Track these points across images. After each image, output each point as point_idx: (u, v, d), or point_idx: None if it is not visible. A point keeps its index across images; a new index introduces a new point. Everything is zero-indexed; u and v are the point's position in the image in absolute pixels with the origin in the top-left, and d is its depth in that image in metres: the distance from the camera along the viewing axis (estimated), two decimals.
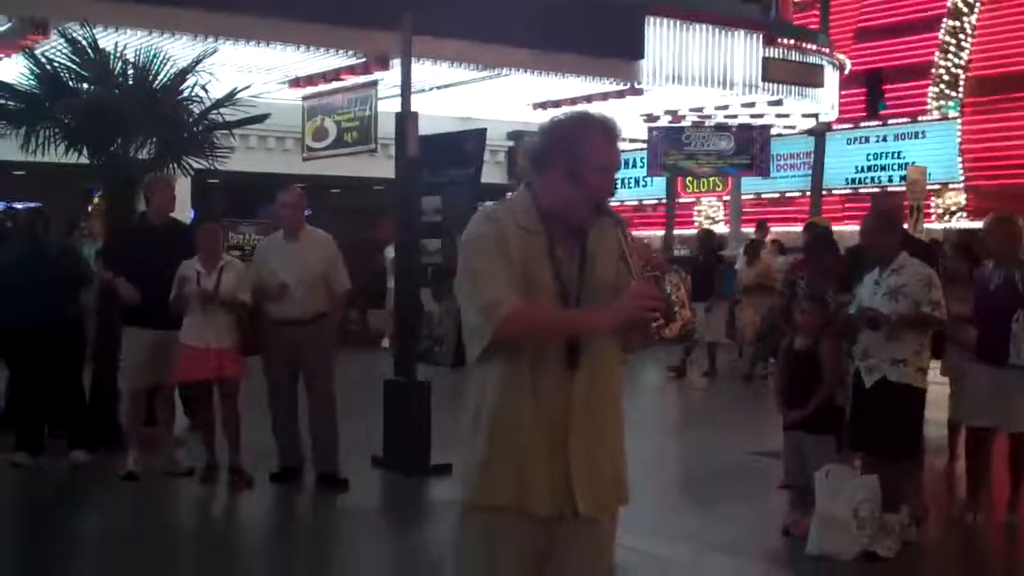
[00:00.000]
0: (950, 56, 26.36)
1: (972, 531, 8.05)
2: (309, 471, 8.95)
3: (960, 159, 25.25)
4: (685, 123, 22.61)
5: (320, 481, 8.82)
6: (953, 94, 26.16)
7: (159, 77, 10.87)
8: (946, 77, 26.35)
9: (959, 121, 25.70)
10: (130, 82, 10.82)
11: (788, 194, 27.43)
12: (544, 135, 3.53)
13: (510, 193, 3.74)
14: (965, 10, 26.34)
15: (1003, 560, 7.83)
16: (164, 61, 10.97)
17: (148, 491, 8.75)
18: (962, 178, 25.26)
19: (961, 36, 26.35)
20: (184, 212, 15.19)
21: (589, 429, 3.45)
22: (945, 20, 26.53)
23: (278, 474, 8.92)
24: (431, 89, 17.31)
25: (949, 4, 26.57)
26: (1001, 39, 25.61)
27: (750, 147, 22.69)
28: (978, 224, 23.21)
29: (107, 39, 12.18)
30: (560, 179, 3.44)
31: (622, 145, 3.41)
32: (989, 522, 8.03)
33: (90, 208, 17.78)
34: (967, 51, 26.23)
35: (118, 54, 10.97)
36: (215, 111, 11.19)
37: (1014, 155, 24.29)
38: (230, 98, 11.34)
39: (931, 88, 26.48)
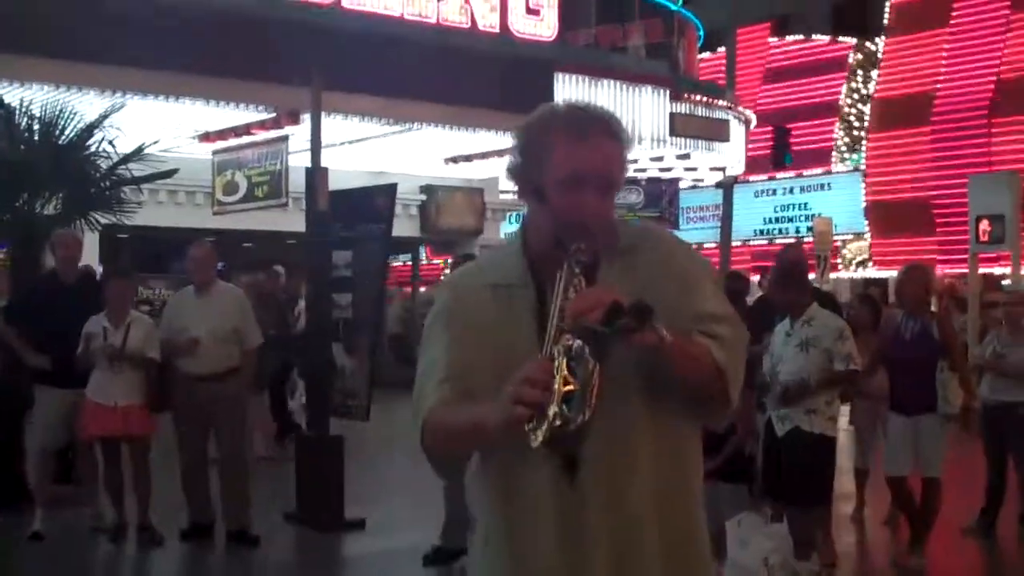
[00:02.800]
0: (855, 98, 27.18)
1: None
2: (220, 528, 8.83)
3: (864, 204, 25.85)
4: None
5: (231, 538, 8.70)
6: (857, 147, 26.79)
7: (65, 132, 10.79)
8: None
9: (863, 173, 26.27)
10: (36, 137, 10.73)
11: (705, 245, 27.84)
12: (513, 144, 2.63)
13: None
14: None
15: None
16: (71, 116, 10.89)
17: (55, 551, 8.58)
18: (867, 227, 25.80)
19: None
20: (93, 268, 15.00)
21: (625, 548, 2.48)
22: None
23: (188, 531, 8.79)
24: (343, 144, 17.32)
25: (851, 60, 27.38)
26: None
27: (659, 200, 22.99)
28: (883, 273, 23.93)
29: (12, 94, 12.06)
30: (532, 204, 2.59)
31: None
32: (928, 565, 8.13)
33: None
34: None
35: (23, 109, 10.88)
36: (123, 166, 11.11)
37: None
38: (138, 153, 11.29)
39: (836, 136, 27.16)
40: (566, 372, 2.22)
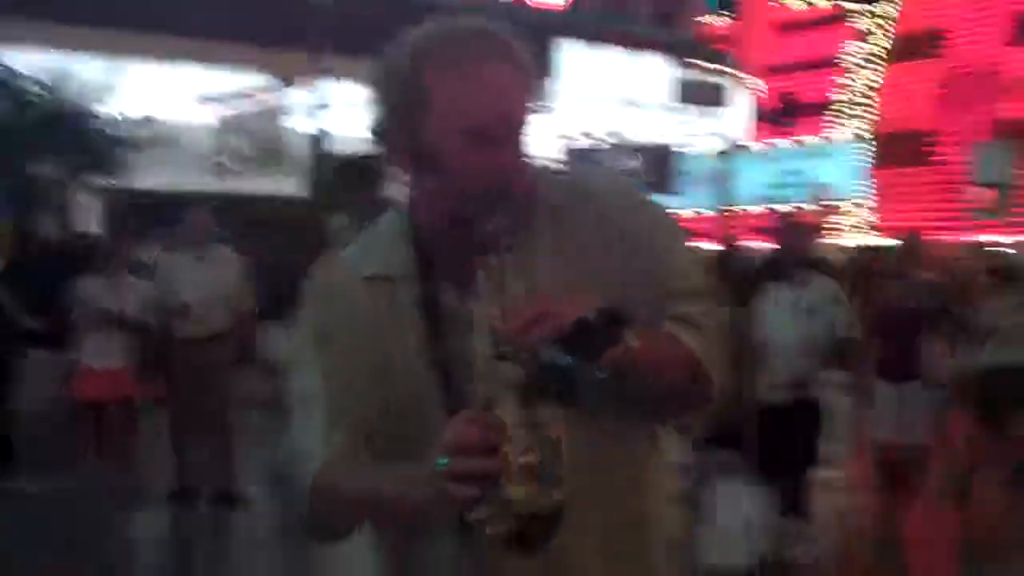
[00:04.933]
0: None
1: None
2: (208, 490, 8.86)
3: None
4: (596, 142, 22.78)
5: (217, 499, 8.71)
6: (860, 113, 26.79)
7: (68, 96, 10.83)
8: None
9: (865, 139, 26.28)
10: (38, 101, 10.77)
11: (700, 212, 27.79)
12: (372, 95, 1.87)
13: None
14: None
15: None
16: (73, 80, 10.94)
17: (45, 513, 8.60)
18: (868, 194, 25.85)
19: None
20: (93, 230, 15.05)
21: None
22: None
23: (176, 493, 8.82)
24: (346, 108, 17.31)
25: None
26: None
27: (661, 166, 22.91)
28: (883, 241, 23.96)
29: (15, 59, 12.09)
30: (412, 172, 1.86)
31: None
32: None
33: None
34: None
35: (25, 73, 10.92)
36: (125, 130, 11.17)
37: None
38: (140, 117, 11.33)
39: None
40: (523, 430, 1.55)
